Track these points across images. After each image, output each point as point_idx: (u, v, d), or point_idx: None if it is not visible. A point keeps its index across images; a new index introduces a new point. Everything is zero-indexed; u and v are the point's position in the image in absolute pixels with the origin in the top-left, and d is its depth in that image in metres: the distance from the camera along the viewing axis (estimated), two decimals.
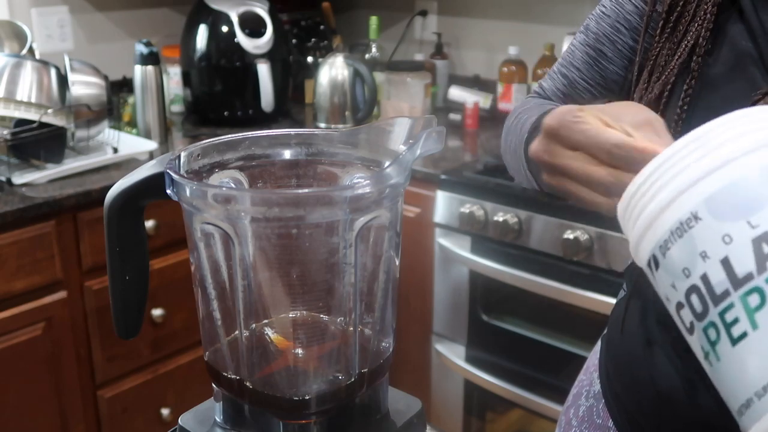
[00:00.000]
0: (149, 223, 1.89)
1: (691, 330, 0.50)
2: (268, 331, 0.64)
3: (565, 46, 2.26)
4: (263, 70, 2.31)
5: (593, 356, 0.97)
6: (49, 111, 1.87)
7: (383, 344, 0.67)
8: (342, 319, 0.64)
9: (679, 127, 0.75)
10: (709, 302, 0.48)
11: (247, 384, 0.62)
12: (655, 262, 0.51)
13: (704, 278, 0.48)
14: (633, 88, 0.81)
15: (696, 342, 0.50)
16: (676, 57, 0.76)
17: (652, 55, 0.79)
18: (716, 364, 0.48)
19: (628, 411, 0.85)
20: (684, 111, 0.75)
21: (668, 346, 0.77)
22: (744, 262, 0.46)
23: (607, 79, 0.88)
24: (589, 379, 0.95)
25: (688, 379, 0.75)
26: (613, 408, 0.87)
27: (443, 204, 2.00)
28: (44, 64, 1.93)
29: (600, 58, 0.88)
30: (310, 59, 2.69)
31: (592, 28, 0.89)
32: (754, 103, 0.70)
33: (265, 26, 2.33)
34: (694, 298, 0.48)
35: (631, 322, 0.84)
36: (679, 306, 0.50)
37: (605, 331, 0.93)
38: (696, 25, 0.75)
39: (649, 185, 0.50)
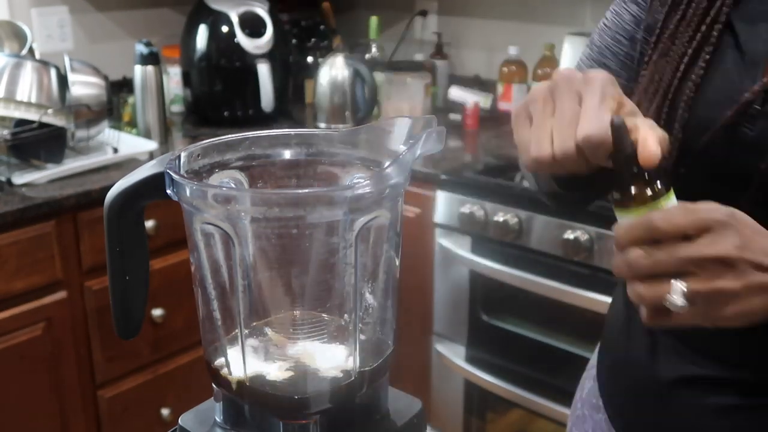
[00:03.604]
0: (149, 223, 1.88)
1: None
2: (268, 331, 0.64)
3: (565, 46, 2.26)
4: (263, 70, 2.31)
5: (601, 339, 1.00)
6: (49, 111, 1.87)
7: (383, 344, 0.67)
8: (342, 319, 0.64)
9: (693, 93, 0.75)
10: None
11: (247, 384, 0.62)
12: None
13: None
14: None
15: None
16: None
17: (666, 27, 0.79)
18: None
19: (608, 393, 0.92)
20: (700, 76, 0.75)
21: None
22: None
23: None
24: (593, 361, 0.99)
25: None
26: (602, 388, 0.93)
27: (443, 204, 2.00)
28: (44, 64, 1.93)
29: None
30: (310, 59, 2.69)
31: (596, 41, 0.89)
32: (745, 105, 0.71)
33: (265, 26, 2.33)
34: None
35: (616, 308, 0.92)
36: None
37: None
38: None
39: None
